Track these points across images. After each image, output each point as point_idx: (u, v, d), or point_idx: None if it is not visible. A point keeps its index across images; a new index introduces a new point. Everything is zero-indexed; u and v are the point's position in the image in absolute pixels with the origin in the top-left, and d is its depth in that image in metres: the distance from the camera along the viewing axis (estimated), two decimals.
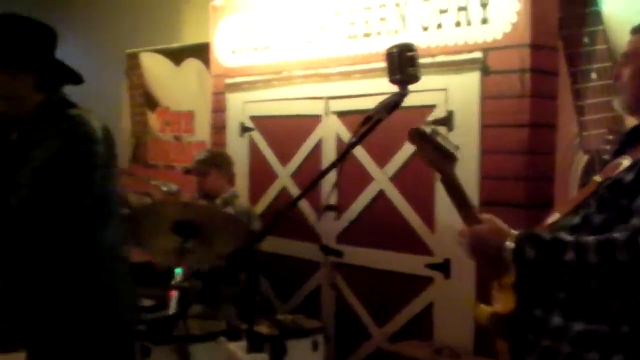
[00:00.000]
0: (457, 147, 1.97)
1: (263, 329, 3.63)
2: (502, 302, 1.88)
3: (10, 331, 2.49)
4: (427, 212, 3.93)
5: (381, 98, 2.05)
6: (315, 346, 3.71)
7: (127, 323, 2.67)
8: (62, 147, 2.41)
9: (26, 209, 2.39)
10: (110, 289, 2.56)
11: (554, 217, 1.96)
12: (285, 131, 4.78)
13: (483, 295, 2.06)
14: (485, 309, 1.93)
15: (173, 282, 3.18)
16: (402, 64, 2.01)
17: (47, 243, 2.41)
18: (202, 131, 5.59)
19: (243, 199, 4.77)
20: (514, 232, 1.85)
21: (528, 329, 1.81)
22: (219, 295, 4.14)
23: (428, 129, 1.96)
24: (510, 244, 1.80)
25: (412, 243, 3.99)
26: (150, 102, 6.18)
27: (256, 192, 4.99)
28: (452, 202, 1.99)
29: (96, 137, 2.45)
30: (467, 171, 3.67)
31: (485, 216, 1.95)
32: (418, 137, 1.97)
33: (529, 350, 1.81)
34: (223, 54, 5.19)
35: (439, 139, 1.96)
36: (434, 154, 1.97)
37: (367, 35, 4.24)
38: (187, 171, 4.69)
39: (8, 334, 2.49)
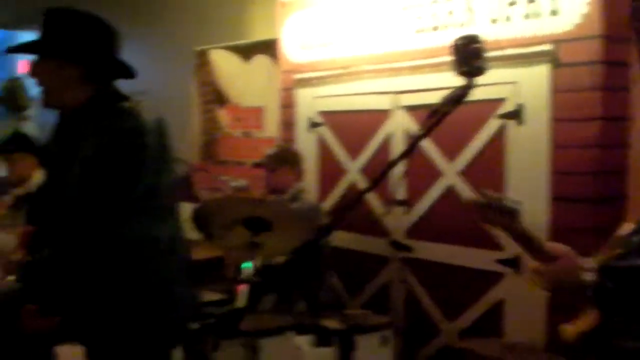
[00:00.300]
0: (517, 202, 2.03)
1: (331, 323, 3.67)
2: (585, 320, 1.96)
3: (66, 324, 2.50)
4: None
5: None
6: (384, 341, 3.73)
7: (181, 319, 2.62)
8: (108, 140, 2.40)
9: (75, 204, 2.40)
10: (162, 284, 2.53)
11: (627, 228, 1.98)
12: (354, 126, 4.82)
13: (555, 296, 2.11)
14: (569, 329, 1.98)
15: (241, 277, 3.23)
16: (468, 56, 2.03)
17: (97, 237, 2.39)
18: (272, 127, 5.66)
19: (310, 195, 4.82)
20: (587, 262, 1.94)
21: (612, 336, 1.90)
22: (288, 290, 4.20)
23: (486, 197, 2.02)
24: (588, 279, 1.90)
25: (482, 238, 3.97)
26: (220, 98, 6.28)
27: (325, 187, 5.04)
28: (522, 248, 2.04)
29: (144, 130, 2.43)
30: (537, 166, 3.66)
31: (558, 249, 1.99)
32: (481, 208, 2.02)
33: (615, 354, 1.89)
34: (292, 50, 5.26)
35: (499, 202, 2.02)
36: (500, 217, 2.03)
37: (435, 28, 4.24)
38: (257, 165, 4.77)
39: (65, 327, 2.51)
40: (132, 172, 2.39)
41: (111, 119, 2.43)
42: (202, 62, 6.44)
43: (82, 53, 2.52)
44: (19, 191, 4.91)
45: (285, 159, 4.63)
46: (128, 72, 2.62)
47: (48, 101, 2.58)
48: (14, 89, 3.84)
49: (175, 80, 6.69)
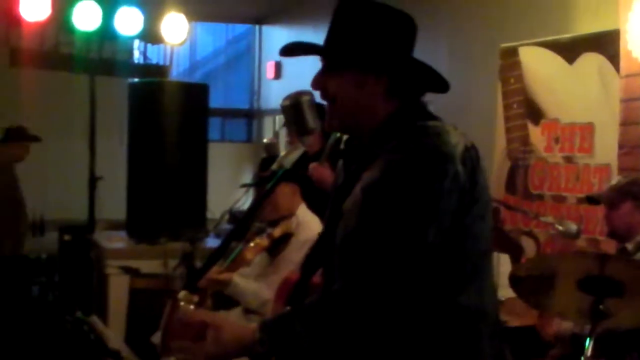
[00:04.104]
0: None
1: None
2: None
3: None
4: None
5: None
6: None
7: None
8: (400, 161, 2.38)
9: (352, 241, 2.40)
10: None
11: None
12: None
13: None
14: None
15: (582, 359, 3.18)
16: None
17: (377, 289, 2.35)
18: (606, 150, 5.55)
19: None
20: None
21: None
22: None
23: None
24: None
25: None
26: (532, 112, 6.26)
27: None
28: None
29: (451, 155, 2.37)
30: None
31: None
32: None
33: None
34: (639, 46, 5.13)
35: None
36: None
37: None
38: (589, 199, 4.68)
39: None
40: (427, 207, 2.34)
41: (406, 137, 2.42)
42: (508, 63, 6.45)
43: (391, 62, 2.54)
44: (277, 232, 5.08)
45: (630, 192, 4.51)
46: (439, 84, 2.60)
47: (341, 124, 2.61)
48: (298, 105, 4.00)
49: (474, 87, 6.76)
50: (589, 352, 3.24)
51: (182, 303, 2.57)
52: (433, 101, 2.74)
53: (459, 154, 2.38)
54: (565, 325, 4.30)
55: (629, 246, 4.44)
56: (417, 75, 2.58)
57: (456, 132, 2.45)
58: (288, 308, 2.54)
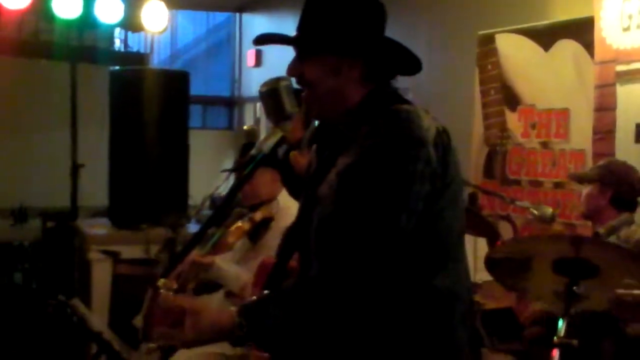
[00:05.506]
0: None
1: None
2: None
3: None
4: None
5: None
6: None
7: None
8: (373, 146, 2.40)
9: (328, 227, 2.43)
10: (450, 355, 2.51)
11: None
12: None
13: None
14: None
15: (555, 339, 3.19)
16: None
17: (352, 273, 2.37)
18: (581, 136, 5.60)
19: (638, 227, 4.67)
20: None
21: None
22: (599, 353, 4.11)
23: None
24: None
25: None
26: (509, 98, 6.30)
27: None
28: None
29: (423, 139, 2.39)
30: None
31: None
32: None
33: None
34: (612, 33, 5.17)
35: None
36: None
37: None
38: (575, 178, 4.73)
39: None
40: (399, 190, 2.37)
41: (382, 122, 2.44)
42: (486, 50, 6.48)
43: (365, 44, 2.54)
44: (258, 216, 5.09)
45: (599, 174, 4.54)
46: (412, 65, 2.61)
47: (320, 111, 2.63)
48: (276, 91, 4.02)
49: (452, 73, 6.76)
50: (562, 333, 3.27)
51: (161, 290, 2.58)
52: (413, 88, 2.76)
53: (431, 137, 2.41)
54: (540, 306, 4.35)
55: (601, 230, 4.48)
56: (392, 57, 2.59)
57: (427, 116, 2.47)
58: (265, 292, 2.54)
